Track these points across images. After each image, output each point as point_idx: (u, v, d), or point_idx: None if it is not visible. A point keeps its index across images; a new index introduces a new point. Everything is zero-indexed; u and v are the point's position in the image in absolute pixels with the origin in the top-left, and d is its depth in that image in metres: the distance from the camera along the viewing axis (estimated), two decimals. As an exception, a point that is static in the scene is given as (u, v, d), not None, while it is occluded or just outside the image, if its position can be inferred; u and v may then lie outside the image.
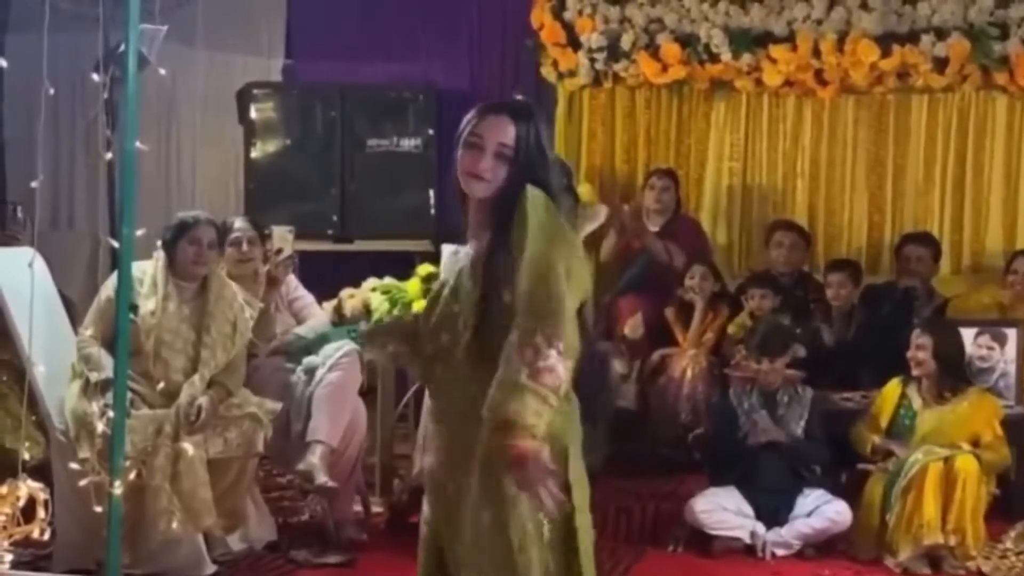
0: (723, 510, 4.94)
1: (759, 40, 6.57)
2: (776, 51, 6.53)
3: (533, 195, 2.52)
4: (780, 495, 4.98)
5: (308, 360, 5.03)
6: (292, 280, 5.27)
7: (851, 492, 5.06)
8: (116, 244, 3.47)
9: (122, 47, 3.54)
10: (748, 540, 4.92)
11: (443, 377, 2.62)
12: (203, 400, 4.49)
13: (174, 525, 4.33)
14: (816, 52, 6.48)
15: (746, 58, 6.58)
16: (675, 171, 6.70)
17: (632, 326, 6.12)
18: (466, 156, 2.59)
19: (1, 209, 6.61)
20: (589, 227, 6.42)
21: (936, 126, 6.66)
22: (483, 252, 2.57)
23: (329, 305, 5.39)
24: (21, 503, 3.06)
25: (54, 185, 7.35)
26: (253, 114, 7.18)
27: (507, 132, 2.58)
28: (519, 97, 2.64)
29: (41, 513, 3.09)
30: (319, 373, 4.90)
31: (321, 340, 5.12)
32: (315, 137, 7.18)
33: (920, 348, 5.00)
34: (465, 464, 2.54)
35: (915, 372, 5.03)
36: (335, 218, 7.00)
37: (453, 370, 2.58)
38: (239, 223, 5.13)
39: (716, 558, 4.88)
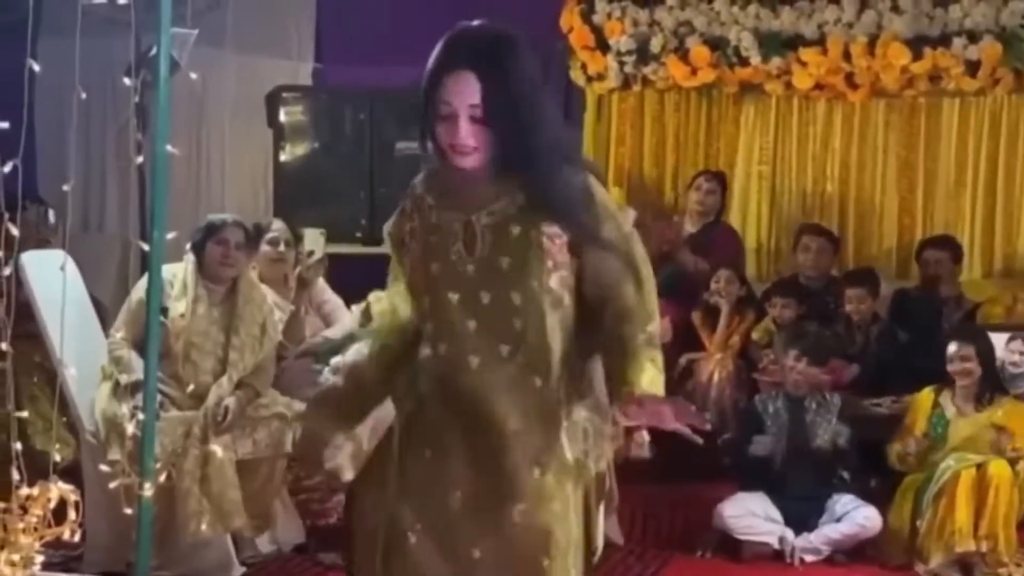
0: (752, 515, 4.92)
1: (789, 43, 6.54)
2: (806, 54, 6.49)
3: (590, 181, 2.38)
4: (809, 500, 4.96)
5: (335, 361, 5.03)
6: (321, 283, 5.29)
7: (881, 497, 5.02)
8: (147, 247, 3.48)
9: (153, 51, 3.56)
10: (777, 546, 4.90)
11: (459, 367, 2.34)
12: (231, 401, 4.51)
13: (203, 527, 4.35)
14: (847, 55, 6.44)
15: (776, 61, 6.55)
16: (724, 175, 6.67)
17: (660, 330, 6.08)
18: (443, 127, 2.30)
19: (33, 211, 6.65)
20: (617, 231, 6.41)
21: (967, 130, 6.61)
22: (501, 223, 2.32)
23: (357, 308, 5.40)
24: (52, 504, 3.07)
25: (85, 188, 7.40)
26: (283, 117, 7.22)
27: (474, 91, 2.26)
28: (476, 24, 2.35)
29: (72, 515, 3.10)
30: (347, 373, 4.90)
31: (349, 342, 5.11)
32: (344, 140, 7.21)
33: (965, 358, 4.94)
34: (484, 465, 2.33)
35: (961, 382, 4.95)
36: (363, 221, 7.02)
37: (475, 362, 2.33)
38: (277, 223, 5.21)
39: (745, 563, 4.86)
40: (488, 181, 2.34)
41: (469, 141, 2.28)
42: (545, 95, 2.38)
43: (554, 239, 2.31)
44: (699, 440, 2.27)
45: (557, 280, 2.32)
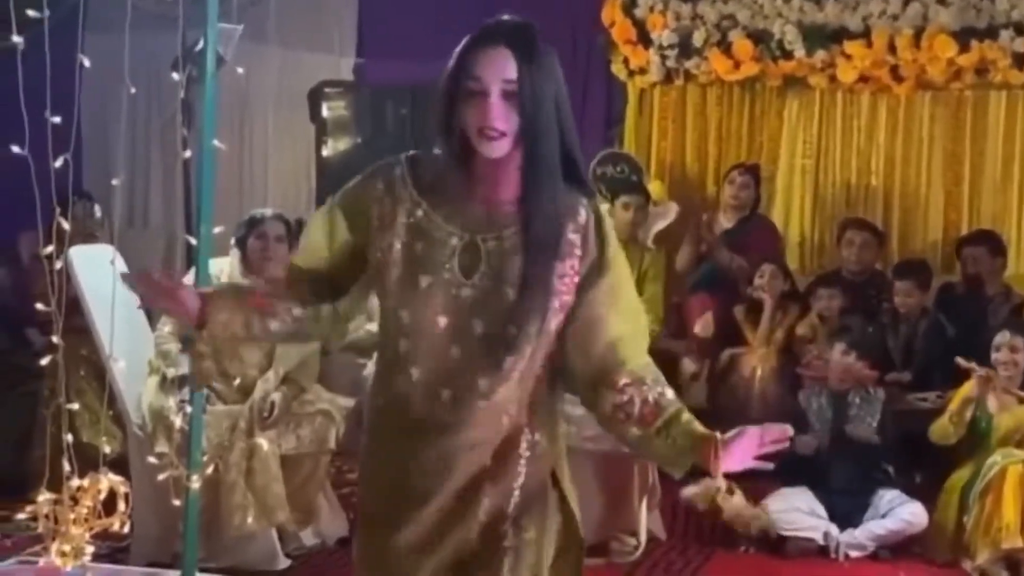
0: (796, 511, 4.91)
1: (834, 36, 6.50)
2: (851, 47, 6.45)
3: (599, 209, 2.19)
4: (854, 496, 4.93)
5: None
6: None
7: (927, 493, 4.99)
8: (193, 241, 3.50)
9: (199, 46, 3.57)
10: (821, 541, 4.88)
11: (433, 369, 2.11)
12: (276, 396, 4.53)
13: (248, 520, 4.38)
14: (892, 48, 6.40)
15: (820, 54, 6.51)
16: (758, 168, 6.64)
17: (703, 325, 6.08)
18: (472, 109, 2.06)
19: (79, 206, 6.72)
20: (660, 224, 6.42)
21: (1015, 123, 6.55)
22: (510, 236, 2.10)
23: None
24: (102, 496, 3.10)
25: (130, 183, 7.45)
26: (325, 112, 7.24)
27: (509, 66, 2.05)
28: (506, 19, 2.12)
29: (121, 506, 3.13)
30: (391, 367, 4.92)
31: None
32: (385, 135, 7.21)
33: (1014, 348, 4.90)
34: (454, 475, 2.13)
35: (1006, 372, 4.91)
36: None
37: (451, 362, 2.11)
38: None
39: (789, 559, 4.84)
40: (502, 195, 2.12)
41: (500, 123, 2.04)
42: (569, 113, 2.16)
43: (564, 278, 2.11)
44: (770, 466, 2.12)
45: (557, 322, 2.12)
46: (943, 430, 4.93)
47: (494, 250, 2.10)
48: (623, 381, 2.14)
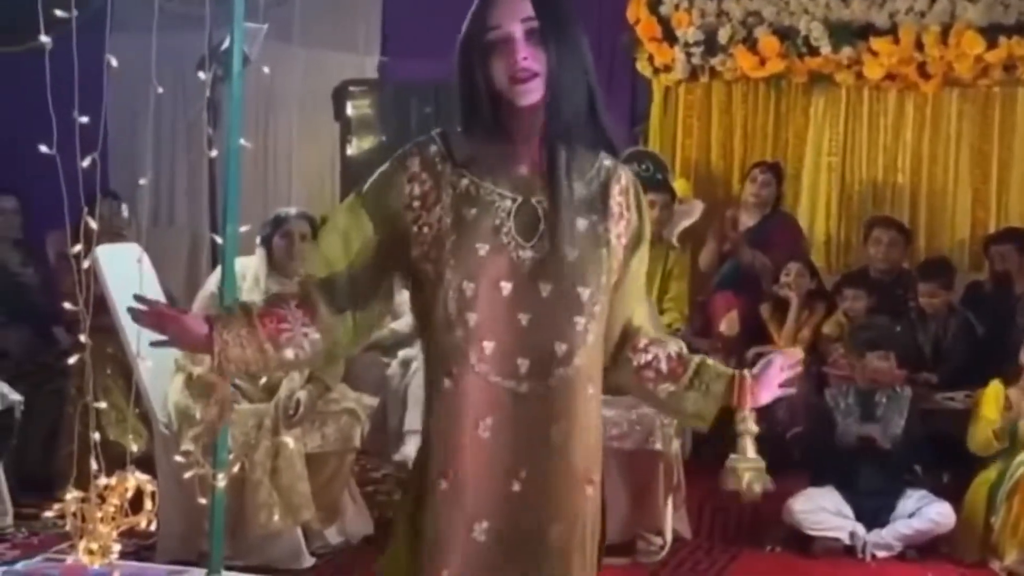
0: (822, 510, 4.89)
1: (860, 32, 6.44)
2: (878, 44, 6.40)
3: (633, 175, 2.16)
4: (881, 496, 4.91)
5: (403, 353, 5.07)
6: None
7: (954, 493, 4.96)
8: (219, 240, 3.51)
9: (225, 45, 3.58)
10: (848, 541, 4.87)
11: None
12: (302, 394, 4.54)
13: (274, 518, 4.39)
14: (919, 45, 6.35)
15: (846, 51, 6.46)
16: (780, 165, 6.61)
17: (728, 323, 6.06)
18: (497, 60, 2.00)
19: (105, 205, 6.76)
20: (685, 222, 6.39)
21: (1043, 119, 6.50)
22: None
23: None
24: (129, 494, 3.11)
25: (155, 182, 7.47)
26: (349, 111, 7.25)
27: (525, 4, 2.01)
28: None
29: (148, 504, 3.14)
30: (414, 365, 4.93)
31: (416, 334, 5.14)
32: (410, 134, 7.18)
33: None
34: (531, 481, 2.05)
35: None
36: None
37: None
38: None
39: (815, 559, 4.82)
40: (539, 148, 2.05)
41: (529, 63, 1.98)
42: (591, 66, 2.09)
43: (621, 238, 2.10)
44: (792, 390, 2.24)
45: (615, 281, 2.10)
46: (987, 443, 4.90)
47: (553, 209, 2.04)
48: (643, 342, 2.18)
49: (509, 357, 2.02)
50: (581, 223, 2.05)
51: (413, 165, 2.08)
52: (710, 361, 2.18)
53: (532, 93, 2.00)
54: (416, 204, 2.06)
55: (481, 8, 2.03)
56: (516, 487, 2.04)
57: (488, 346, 2.01)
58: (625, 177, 2.14)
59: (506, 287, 2.01)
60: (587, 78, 2.05)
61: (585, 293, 2.04)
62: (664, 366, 2.16)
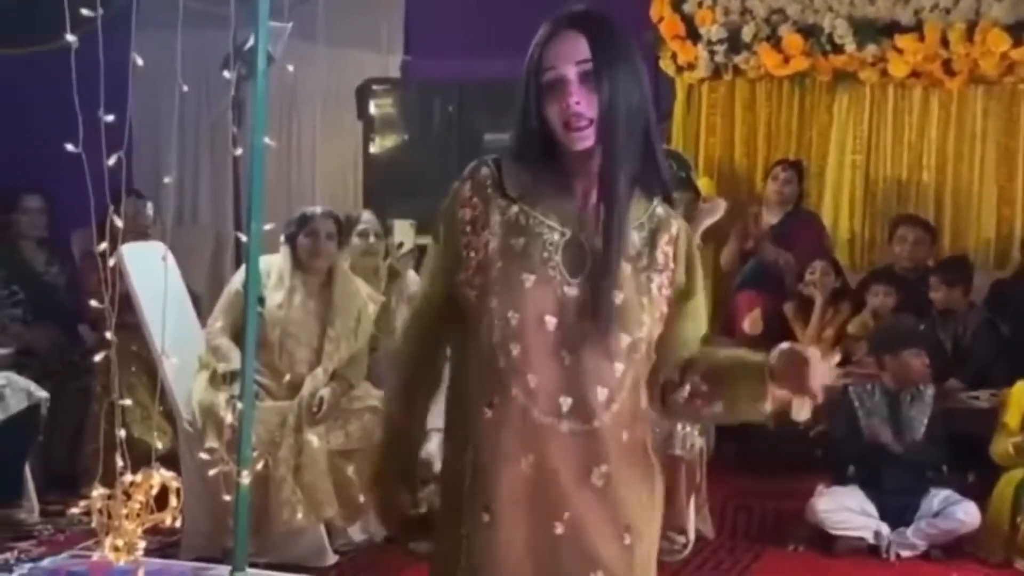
0: (846, 510, 4.88)
1: (885, 30, 6.41)
2: (902, 41, 6.37)
3: (686, 226, 2.14)
4: (905, 495, 4.89)
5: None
6: (412, 274, 5.32)
7: (979, 492, 4.94)
8: (243, 238, 3.51)
9: (249, 44, 3.58)
10: (872, 540, 4.85)
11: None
12: (325, 392, 4.56)
13: (297, 516, 4.41)
14: (944, 42, 6.31)
15: (871, 49, 6.43)
16: (801, 163, 6.59)
17: (751, 322, 6.04)
18: (551, 102, 1.98)
19: (130, 204, 6.79)
20: (708, 221, 6.35)
21: (1070, 117, 6.45)
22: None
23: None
24: (154, 491, 3.12)
25: (179, 180, 7.50)
26: (372, 110, 7.27)
27: (581, 46, 1.97)
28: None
29: (173, 501, 3.14)
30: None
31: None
32: (433, 132, 7.23)
33: None
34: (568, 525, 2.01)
35: None
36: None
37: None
38: (366, 215, 5.24)
39: (839, 558, 4.80)
40: (592, 185, 2.02)
41: (583, 108, 1.95)
42: (650, 106, 2.05)
43: (663, 289, 2.05)
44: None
45: (657, 332, 2.05)
46: (1007, 456, 4.90)
47: (600, 250, 2.00)
48: (679, 374, 2.08)
49: (552, 394, 1.98)
50: (627, 268, 2.01)
51: (465, 191, 2.06)
52: (740, 360, 2.06)
53: (585, 140, 1.97)
54: (468, 229, 2.04)
55: (538, 47, 1.99)
56: (559, 530, 2.00)
57: (532, 379, 1.98)
58: (676, 227, 2.09)
59: (551, 322, 1.98)
60: (645, 119, 2.02)
61: (626, 340, 1.99)
62: (702, 389, 2.05)
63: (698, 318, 2.13)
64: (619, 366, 1.99)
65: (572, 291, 1.99)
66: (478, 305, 2.01)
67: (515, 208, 2.02)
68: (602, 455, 2.00)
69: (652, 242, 2.06)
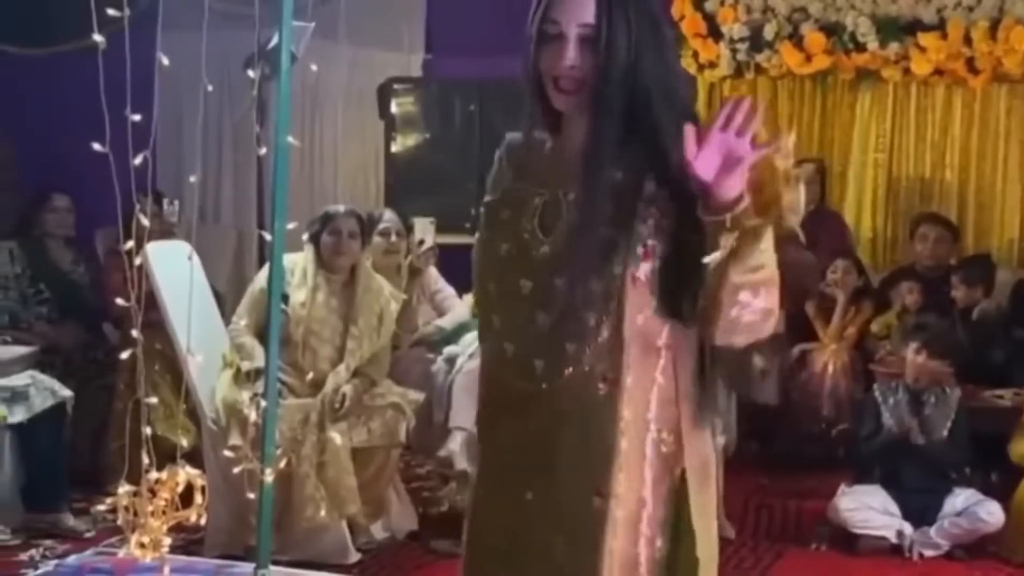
0: (868, 509, 4.85)
1: (907, 28, 6.40)
2: (925, 39, 6.35)
3: None
4: (928, 494, 4.87)
5: (449, 349, 5.08)
6: (433, 272, 5.33)
7: (1003, 492, 4.91)
8: (268, 236, 3.52)
9: (272, 43, 3.60)
10: (895, 540, 4.82)
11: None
12: (347, 389, 4.57)
13: (321, 513, 4.41)
14: (967, 40, 6.29)
15: (894, 47, 6.42)
16: (823, 161, 6.57)
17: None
18: (545, 55, 1.93)
19: (157, 202, 6.82)
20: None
21: (1093, 115, 6.42)
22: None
23: (469, 297, 5.44)
24: (180, 489, 3.13)
25: (203, 179, 7.52)
26: (394, 109, 7.29)
27: (588, 8, 1.90)
28: None
29: (199, 499, 3.15)
30: (459, 361, 4.95)
31: (461, 331, 5.17)
32: (454, 131, 7.24)
33: None
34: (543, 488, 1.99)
35: None
36: (473, 211, 7.04)
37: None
38: (388, 214, 5.26)
39: (861, 557, 4.78)
40: (581, 144, 1.94)
41: (575, 71, 1.89)
42: (672, 45, 1.98)
43: (647, 220, 1.91)
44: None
45: (646, 271, 1.91)
46: None
47: (575, 201, 1.94)
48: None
49: (526, 358, 1.95)
50: (607, 208, 1.91)
51: (491, 176, 2.12)
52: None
53: (568, 104, 1.94)
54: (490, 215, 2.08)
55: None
56: (530, 495, 1.98)
57: (508, 347, 1.97)
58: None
59: (526, 286, 1.95)
60: (672, 84, 1.95)
61: (599, 286, 1.90)
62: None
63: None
64: (592, 315, 1.91)
65: (545, 248, 1.95)
66: (476, 283, 2.07)
67: (508, 181, 2.05)
68: (573, 412, 1.94)
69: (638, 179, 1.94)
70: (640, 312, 1.92)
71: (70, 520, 4.85)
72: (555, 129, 2.01)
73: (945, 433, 4.91)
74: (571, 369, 1.91)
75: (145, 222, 3.23)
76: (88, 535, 4.77)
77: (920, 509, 4.83)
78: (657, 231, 1.91)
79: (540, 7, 1.94)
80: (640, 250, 1.90)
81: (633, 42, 1.90)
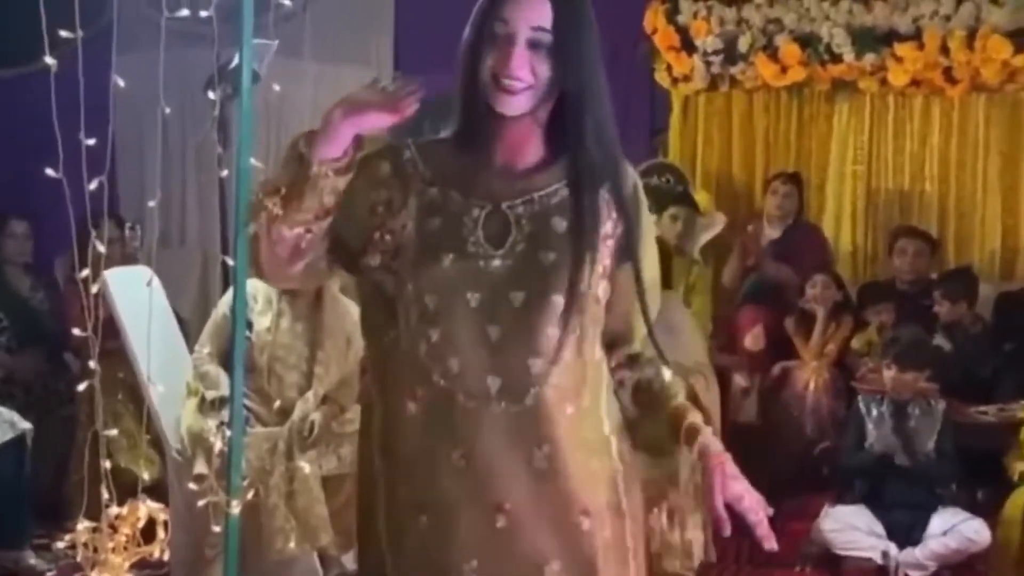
0: (853, 529, 4.80)
1: (884, 38, 6.35)
2: (902, 49, 6.30)
3: (636, 178, 2.01)
4: (913, 513, 4.81)
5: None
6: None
7: (989, 510, 4.85)
8: (231, 261, 3.42)
9: (233, 63, 3.51)
10: (880, 561, 4.77)
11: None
12: (316, 416, 4.48)
13: (291, 544, 4.32)
14: (944, 49, 6.25)
15: (870, 57, 6.37)
16: (800, 175, 6.52)
17: (753, 338, 5.95)
18: (492, 54, 1.89)
19: (115, 229, 6.72)
20: (706, 236, 6.31)
21: (1073, 125, 6.38)
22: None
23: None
24: (141, 524, 3.04)
25: (165, 203, 7.40)
26: (362, 127, 7.19)
27: (543, 11, 1.87)
28: None
29: (161, 534, 3.07)
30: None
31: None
32: (423, 149, 7.16)
33: None
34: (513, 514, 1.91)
35: None
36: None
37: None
38: None
39: (846, 579, 4.72)
40: (528, 157, 1.95)
41: (523, 73, 1.86)
42: (607, 92, 1.96)
43: (606, 240, 1.93)
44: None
45: (603, 289, 1.94)
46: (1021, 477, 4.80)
47: (525, 214, 1.91)
48: (616, 362, 2.03)
49: (479, 375, 1.86)
50: (560, 225, 1.91)
51: (383, 168, 2.01)
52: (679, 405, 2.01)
53: (514, 106, 1.89)
54: (381, 209, 1.97)
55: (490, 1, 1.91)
56: (501, 522, 1.88)
57: (454, 363, 1.87)
58: (627, 177, 1.99)
59: (474, 298, 1.88)
60: (605, 104, 1.95)
61: (560, 301, 1.87)
62: (627, 396, 2.02)
63: (631, 292, 1.98)
64: (552, 332, 1.87)
65: (496, 262, 1.90)
66: (394, 292, 1.93)
67: (433, 190, 1.95)
68: (543, 434, 1.88)
69: (593, 195, 1.96)
70: (598, 329, 1.95)
71: (31, 558, 4.75)
72: (493, 135, 1.95)
73: (931, 446, 4.84)
74: (536, 388, 1.87)
75: (101, 248, 3.14)
76: (49, 574, 4.65)
77: (905, 527, 4.78)
78: (612, 253, 1.95)
79: (489, 5, 1.90)
80: (600, 268, 1.92)
81: (584, 56, 1.89)
